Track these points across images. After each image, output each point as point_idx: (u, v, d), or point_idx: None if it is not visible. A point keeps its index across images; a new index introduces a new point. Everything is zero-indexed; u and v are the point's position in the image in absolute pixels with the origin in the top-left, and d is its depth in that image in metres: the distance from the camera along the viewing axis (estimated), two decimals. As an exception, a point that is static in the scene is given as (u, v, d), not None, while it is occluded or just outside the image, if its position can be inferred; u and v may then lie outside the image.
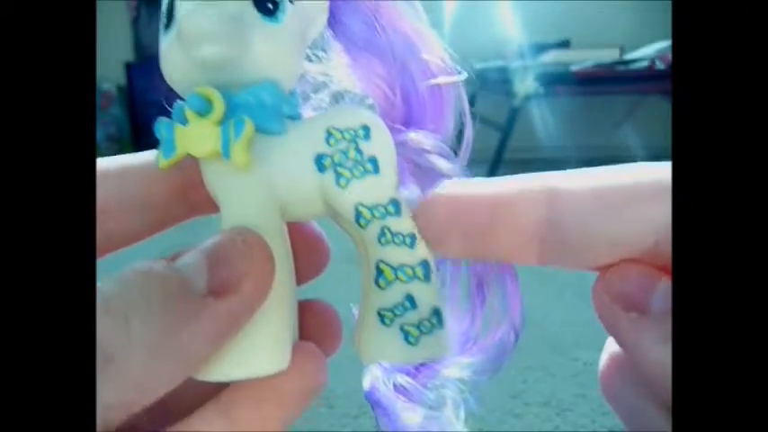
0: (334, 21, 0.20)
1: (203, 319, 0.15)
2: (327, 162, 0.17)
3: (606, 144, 2.33)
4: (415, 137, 0.20)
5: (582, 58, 2.04)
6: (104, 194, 0.19)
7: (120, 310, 0.14)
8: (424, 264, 0.18)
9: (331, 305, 0.20)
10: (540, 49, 2.11)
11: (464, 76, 0.20)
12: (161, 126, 0.17)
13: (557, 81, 1.95)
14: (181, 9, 0.16)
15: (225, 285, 0.16)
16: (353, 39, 0.20)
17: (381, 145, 0.18)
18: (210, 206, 0.19)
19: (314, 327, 0.19)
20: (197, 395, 0.17)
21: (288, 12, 0.17)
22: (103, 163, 0.20)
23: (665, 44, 1.92)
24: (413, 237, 0.18)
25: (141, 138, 2.65)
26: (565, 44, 2.29)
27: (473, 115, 0.21)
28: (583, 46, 2.24)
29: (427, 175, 0.19)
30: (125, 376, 0.14)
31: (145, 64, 2.74)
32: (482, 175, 0.19)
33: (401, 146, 0.19)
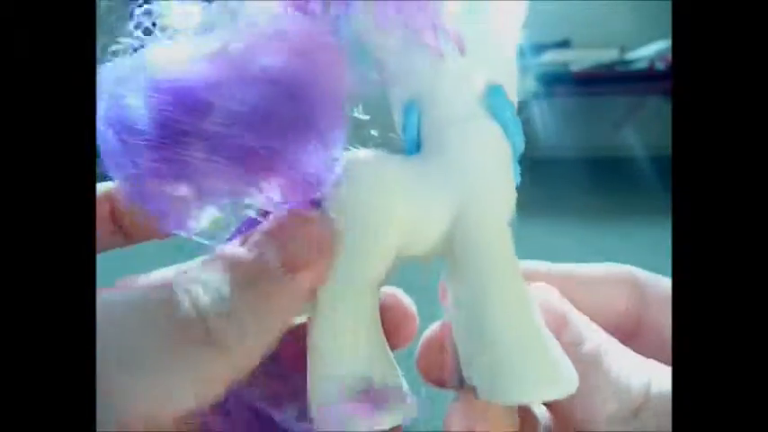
0: None
1: (283, 295, 0.17)
2: None
3: (606, 144, 2.33)
4: None
5: (582, 58, 2.04)
6: None
7: (219, 296, 0.16)
8: None
9: (404, 295, 0.22)
10: (540, 49, 2.11)
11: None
12: None
13: (556, 81, 1.94)
14: None
15: (296, 261, 0.17)
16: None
17: None
18: (143, 234, 0.21)
19: (389, 317, 0.21)
20: None
21: None
22: None
23: (665, 44, 1.92)
24: None
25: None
26: (565, 44, 2.29)
27: None
28: (583, 46, 2.24)
29: None
30: (234, 358, 0.16)
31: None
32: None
33: None
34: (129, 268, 0.21)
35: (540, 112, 2.07)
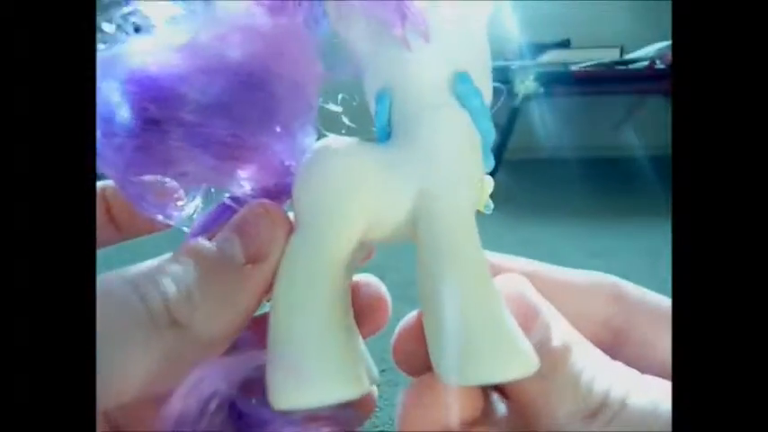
0: None
1: (245, 284, 0.18)
2: None
3: (606, 144, 2.33)
4: None
5: (582, 58, 2.03)
6: None
7: (185, 286, 0.17)
8: None
9: (377, 281, 0.22)
10: (540, 49, 2.11)
11: None
12: None
13: (557, 81, 1.94)
14: None
15: (258, 254, 0.19)
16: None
17: None
18: (135, 230, 0.22)
19: (361, 302, 0.21)
20: None
21: None
22: None
23: (665, 44, 1.92)
24: None
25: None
26: (565, 44, 2.29)
27: None
28: (583, 46, 2.24)
29: None
30: (193, 337, 0.17)
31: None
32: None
33: None
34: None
35: (540, 112, 2.07)
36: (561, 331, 0.18)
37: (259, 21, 0.18)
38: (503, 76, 1.96)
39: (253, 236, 0.19)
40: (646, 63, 1.95)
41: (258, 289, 0.19)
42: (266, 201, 0.19)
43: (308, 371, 0.17)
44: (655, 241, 1.22)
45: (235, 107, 0.18)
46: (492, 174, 0.21)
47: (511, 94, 1.90)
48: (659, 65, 1.90)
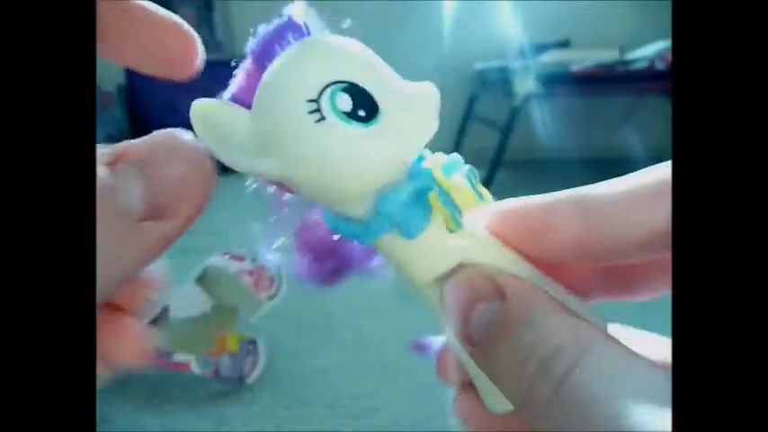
0: None
1: (136, 243, 0.14)
2: None
3: (606, 144, 2.33)
4: None
5: (582, 58, 2.04)
6: None
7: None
8: None
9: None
10: (540, 49, 2.11)
11: None
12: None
13: (557, 81, 1.94)
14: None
15: (162, 211, 0.15)
16: None
17: None
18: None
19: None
20: None
21: None
22: None
23: (664, 44, 1.92)
24: None
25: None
26: (565, 44, 2.29)
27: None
28: (583, 46, 2.24)
29: None
30: None
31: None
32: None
33: None
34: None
35: (541, 112, 2.07)
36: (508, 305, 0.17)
37: None
38: (503, 76, 1.97)
39: (160, 187, 0.15)
40: (646, 63, 1.95)
41: (148, 251, 0.15)
42: (186, 140, 0.16)
43: None
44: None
45: None
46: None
47: (511, 94, 1.90)
48: (659, 65, 1.91)
